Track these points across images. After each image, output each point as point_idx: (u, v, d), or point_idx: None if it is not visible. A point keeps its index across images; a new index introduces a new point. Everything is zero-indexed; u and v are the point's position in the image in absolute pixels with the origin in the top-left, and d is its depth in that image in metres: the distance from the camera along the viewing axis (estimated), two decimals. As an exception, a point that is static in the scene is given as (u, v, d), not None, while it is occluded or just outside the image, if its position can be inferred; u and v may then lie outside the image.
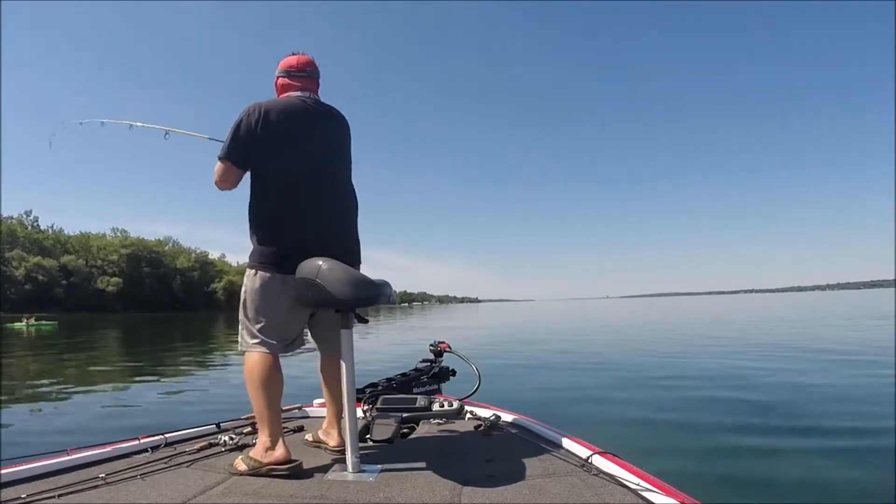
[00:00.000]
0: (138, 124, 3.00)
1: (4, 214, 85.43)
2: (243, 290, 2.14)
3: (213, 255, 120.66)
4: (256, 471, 1.88)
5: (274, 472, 1.86)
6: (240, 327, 2.14)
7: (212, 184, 2.14)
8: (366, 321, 2.00)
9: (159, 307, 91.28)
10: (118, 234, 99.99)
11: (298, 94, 2.22)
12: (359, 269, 2.23)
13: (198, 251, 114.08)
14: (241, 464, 1.95)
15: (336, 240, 2.15)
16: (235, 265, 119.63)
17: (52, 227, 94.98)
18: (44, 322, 38.04)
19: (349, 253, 2.18)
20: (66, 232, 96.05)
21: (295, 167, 2.10)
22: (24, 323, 37.41)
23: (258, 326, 2.08)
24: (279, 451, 1.90)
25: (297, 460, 1.91)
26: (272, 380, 2.02)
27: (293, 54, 2.29)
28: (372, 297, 1.88)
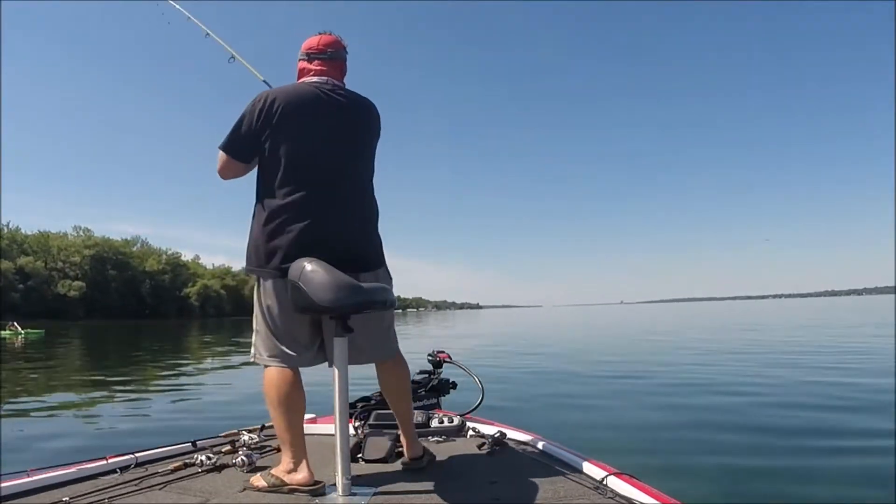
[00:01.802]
0: (213, 36, 2.96)
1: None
2: (254, 297, 2.14)
3: (186, 256, 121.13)
4: (278, 489, 1.94)
5: (297, 492, 1.92)
6: (253, 336, 2.14)
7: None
8: (350, 331, 1.88)
9: (126, 314, 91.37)
10: (81, 233, 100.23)
11: (315, 79, 2.18)
12: (375, 274, 2.15)
13: (169, 252, 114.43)
14: (259, 480, 1.98)
15: (343, 241, 2.09)
16: (210, 268, 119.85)
17: (7, 225, 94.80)
18: (30, 330, 36.26)
19: (360, 256, 2.11)
20: (22, 231, 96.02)
21: (299, 161, 2.07)
22: (8, 331, 35.44)
23: (271, 340, 2.06)
24: (302, 474, 1.94)
25: (320, 482, 1.94)
26: (291, 398, 2.01)
27: (319, 34, 2.24)
28: (358, 304, 1.82)
